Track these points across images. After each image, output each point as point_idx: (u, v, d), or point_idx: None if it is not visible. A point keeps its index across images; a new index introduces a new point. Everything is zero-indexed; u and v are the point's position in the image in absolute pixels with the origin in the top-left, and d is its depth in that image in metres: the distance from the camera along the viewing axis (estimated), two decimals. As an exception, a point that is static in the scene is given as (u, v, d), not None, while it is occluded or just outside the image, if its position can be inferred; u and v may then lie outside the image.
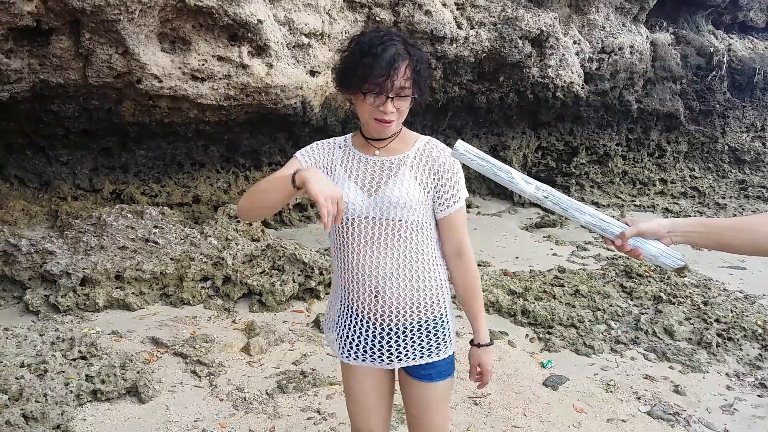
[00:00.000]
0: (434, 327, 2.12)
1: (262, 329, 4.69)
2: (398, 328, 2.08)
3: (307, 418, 3.61)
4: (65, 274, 4.99)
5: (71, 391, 3.54)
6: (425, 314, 2.10)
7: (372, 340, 2.11)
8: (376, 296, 2.05)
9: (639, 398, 4.05)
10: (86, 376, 3.69)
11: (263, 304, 5.21)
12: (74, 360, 3.86)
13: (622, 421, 3.75)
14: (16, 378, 3.41)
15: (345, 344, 2.16)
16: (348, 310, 2.13)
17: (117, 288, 5.12)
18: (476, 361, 2.18)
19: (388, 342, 2.10)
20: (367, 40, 1.91)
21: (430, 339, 2.12)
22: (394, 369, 2.23)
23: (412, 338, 2.10)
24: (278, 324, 4.90)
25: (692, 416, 3.85)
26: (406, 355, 2.11)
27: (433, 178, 2.06)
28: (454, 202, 2.09)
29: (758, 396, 4.18)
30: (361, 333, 2.12)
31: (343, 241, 2.07)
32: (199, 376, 4.04)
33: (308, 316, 5.12)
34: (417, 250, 2.06)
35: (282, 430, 3.49)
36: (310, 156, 2.13)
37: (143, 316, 4.95)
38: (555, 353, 4.68)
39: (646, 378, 4.34)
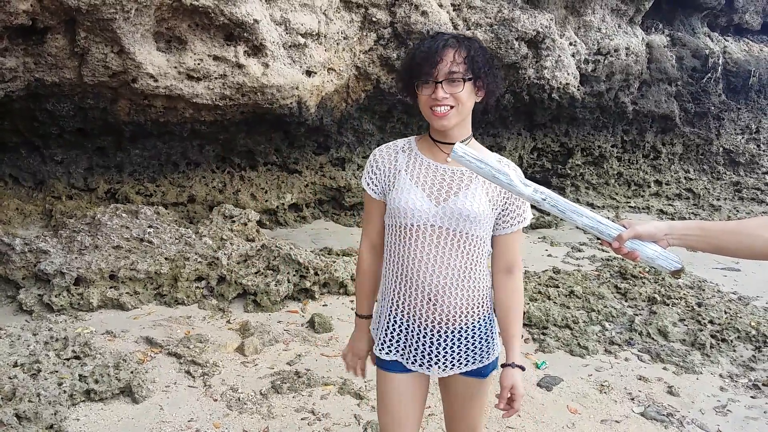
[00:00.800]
0: (484, 328, 2.14)
1: (257, 329, 4.69)
2: (452, 332, 2.09)
3: (302, 419, 3.61)
4: (59, 273, 4.98)
5: (64, 391, 3.53)
6: (475, 316, 2.11)
7: (429, 346, 2.11)
8: (429, 301, 2.06)
9: (633, 399, 4.06)
10: (80, 375, 3.68)
11: (258, 305, 5.20)
12: (68, 360, 3.85)
13: (616, 422, 3.76)
14: (9, 378, 3.40)
15: (400, 349, 2.15)
16: (402, 315, 2.12)
17: (111, 287, 5.11)
18: (510, 382, 2.07)
19: (444, 348, 2.10)
20: (419, 42, 2.03)
21: (482, 341, 2.14)
22: (429, 376, 2.22)
23: (466, 342, 2.11)
24: (273, 324, 4.90)
25: (686, 417, 3.86)
26: (459, 361, 2.12)
27: (504, 196, 2.07)
28: (519, 222, 2.12)
29: (751, 397, 4.19)
30: (417, 339, 2.11)
31: (403, 247, 2.06)
32: (193, 376, 4.03)
33: (303, 316, 5.12)
34: (475, 261, 2.07)
35: (276, 430, 3.49)
36: (374, 178, 2.15)
37: (137, 316, 4.94)
38: (549, 354, 4.69)
39: (639, 379, 4.35)
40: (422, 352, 2.11)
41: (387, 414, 2.20)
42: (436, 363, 2.12)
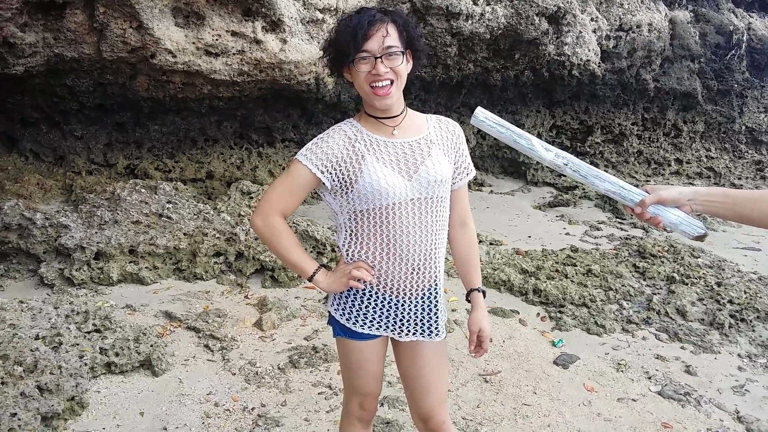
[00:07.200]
0: (440, 286, 2.24)
1: (275, 305, 4.72)
2: (428, 294, 2.17)
3: (319, 393, 3.64)
4: (79, 248, 5.03)
5: (85, 364, 3.59)
6: (440, 277, 2.21)
7: (415, 314, 2.17)
8: (415, 271, 2.11)
9: (650, 378, 4.05)
10: (100, 348, 3.73)
11: (275, 280, 5.24)
12: (88, 333, 3.90)
13: (633, 400, 3.76)
14: (31, 350, 3.45)
15: (384, 323, 2.17)
16: (384, 290, 2.14)
17: (131, 262, 5.16)
18: (476, 326, 2.23)
19: (426, 312, 2.18)
20: (345, 19, 1.98)
21: (440, 300, 2.24)
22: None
23: (436, 300, 2.20)
24: (290, 300, 4.93)
25: (703, 396, 3.84)
26: (439, 320, 2.21)
27: (454, 151, 2.17)
28: (468, 173, 2.23)
29: (770, 377, 4.17)
30: (403, 309, 2.16)
31: (384, 227, 2.06)
32: (212, 350, 4.08)
33: (320, 292, 5.13)
34: (446, 221, 2.17)
35: (293, 404, 3.53)
36: (323, 160, 2.04)
37: (157, 291, 4.99)
38: (566, 332, 4.69)
39: (657, 358, 4.34)
40: (412, 320, 2.17)
41: (364, 377, 2.27)
42: (428, 329, 2.19)
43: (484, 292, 2.28)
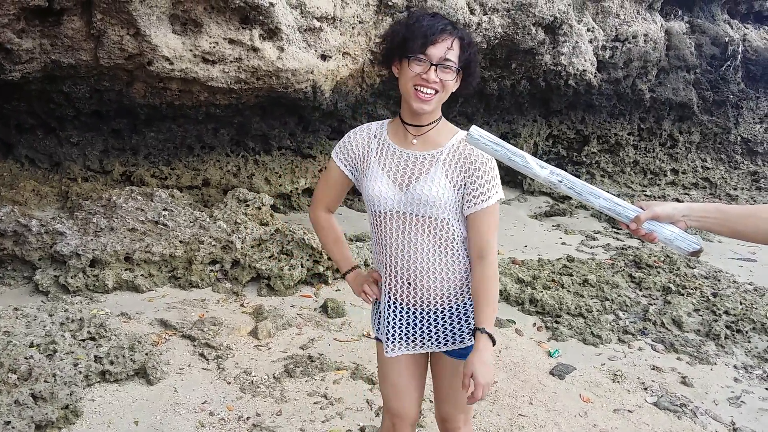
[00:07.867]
0: (465, 312, 2.18)
1: (270, 313, 4.71)
2: (431, 314, 2.16)
3: (314, 403, 3.62)
4: (75, 255, 5.01)
5: (80, 372, 3.57)
6: (455, 301, 2.16)
7: (407, 327, 2.19)
8: (409, 285, 2.12)
9: (646, 389, 4.05)
10: (95, 357, 3.71)
11: (271, 289, 5.22)
12: (83, 341, 3.88)
13: (629, 411, 3.75)
14: (26, 358, 3.43)
15: (386, 334, 2.22)
16: (389, 298, 2.19)
17: (126, 270, 5.14)
18: (469, 369, 1.98)
19: (421, 328, 2.18)
20: (417, 14, 2.03)
21: (462, 324, 2.18)
22: (427, 353, 2.30)
23: (444, 324, 2.17)
24: (286, 308, 4.91)
25: (699, 408, 3.84)
26: (437, 340, 2.19)
27: (464, 176, 2.05)
28: (483, 201, 2.04)
29: (766, 389, 4.17)
30: (397, 321, 2.19)
31: (379, 233, 2.13)
32: (207, 359, 4.06)
33: (316, 301, 5.13)
34: (446, 245, 2.09)
35: (289, 413, 3.51)
36: (345, 155, 2.18)
37: (152, 298, 4.97)
38: (562, 342, 4.68)
39: (653, 369, 4.34)
40: (407, 332, 2.20)
41: (388, 385, 2.30)
42: (413, 342, 2.21)
43: (491, 336, 2.00)
